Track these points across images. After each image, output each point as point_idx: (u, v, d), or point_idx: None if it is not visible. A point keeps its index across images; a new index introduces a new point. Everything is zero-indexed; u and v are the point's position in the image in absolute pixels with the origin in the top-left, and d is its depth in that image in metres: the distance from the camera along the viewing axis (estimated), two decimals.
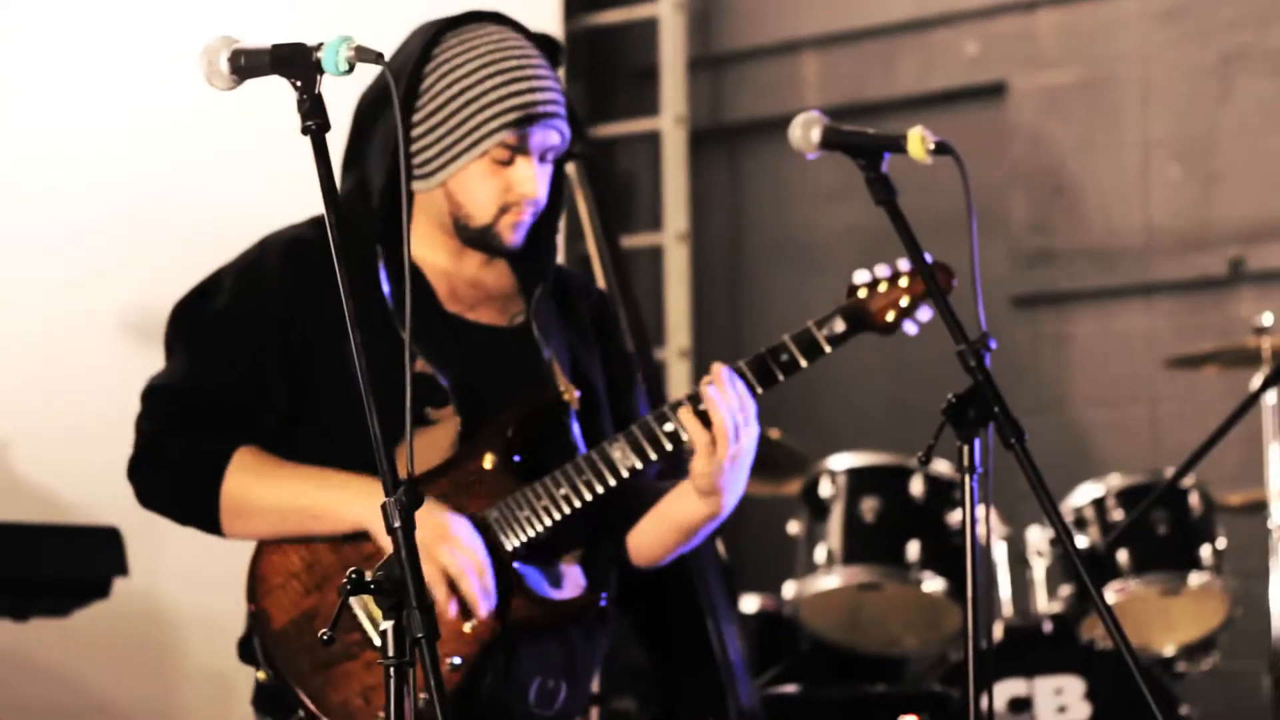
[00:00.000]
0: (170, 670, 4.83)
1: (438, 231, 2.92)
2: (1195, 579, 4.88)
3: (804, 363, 2.83)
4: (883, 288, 2.86)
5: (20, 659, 4.40)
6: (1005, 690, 4.69)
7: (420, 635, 2.15)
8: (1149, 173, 6.22)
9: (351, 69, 2.25)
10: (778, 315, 6.75)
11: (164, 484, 2.85)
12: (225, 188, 4.87)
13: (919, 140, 2.78)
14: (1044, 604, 4.89)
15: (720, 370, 2.80)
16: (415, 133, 2.86)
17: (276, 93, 2.28)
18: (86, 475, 4.55)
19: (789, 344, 2.83)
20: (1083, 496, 5.02)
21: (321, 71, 2.25)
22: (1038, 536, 4.90)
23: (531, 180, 2.86)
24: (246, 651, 2.88)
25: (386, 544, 2.67)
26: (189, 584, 4.72)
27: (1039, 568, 4.89)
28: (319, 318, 2.83)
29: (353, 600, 2.74)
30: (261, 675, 2.81)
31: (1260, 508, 4.93)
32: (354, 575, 2.25)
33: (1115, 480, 5.00)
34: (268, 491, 2.79)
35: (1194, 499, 4.95)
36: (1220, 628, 4.97)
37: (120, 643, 4.59)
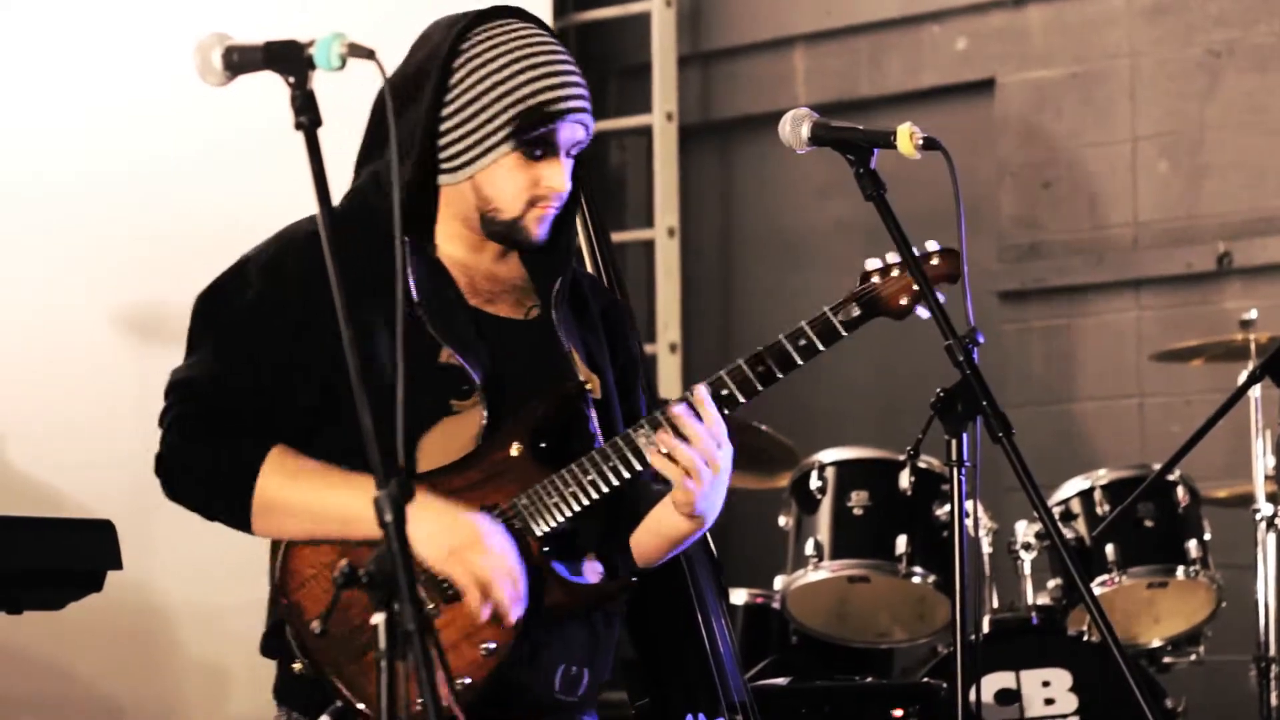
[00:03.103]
0: (163, 663, 4.84)
1: (459, 225, 2.93)
2: (1182, 572, 4.90)
3: (821, 347, 2.85)
4: (895, 273, 2.88)
5: (13, 652, 4.42)
6: (993, 682, 4.71)
7: (411, 628, 2.16)
8: (1137, 168, 6.24)
9: (343, 65, 2.26)
10: (768, 310, 6.77)
11: (196, 484, 2.84)
12: (220, 182, 4.89)
13: (908, 136, 2.79)
14: (1031, 597, 4.91)
15: (677, 409, 2.82)
16: (444, 126, 2.88)
17: (270, 87, 2.30)
18: (80, 469, 4.57)
19: (806, 329, 2.85)
20: (1070, 490, 5.04)
21: (314, 67, 2.26)
22: (1025, 530, 4.92)
23: (560, 175, 2.88)
24: (272, 645, 2.88)
25: (422, 552, 2.72)
26: (182, 577, 4.73)
27: (1026, 561, 4.91)
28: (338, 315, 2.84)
29: None
30: (298, 666, 2.82)
31: (1246, 501, 4.96)
32: (346, 569, 2.26)
33: (1102, 474, 5.02)
34: (301, 497, 2.80)
35: (1180, 492, 4.97)
36: (1206, 620, 5.00)
37: (113, 636, 4.61)
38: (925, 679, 4.62)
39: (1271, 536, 4.80)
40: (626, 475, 2.82)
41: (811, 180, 6.73)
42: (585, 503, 2.82)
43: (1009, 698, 4.72)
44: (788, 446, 5.34)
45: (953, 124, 6.41)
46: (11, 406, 4.54)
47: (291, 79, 2.26)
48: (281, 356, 2.83)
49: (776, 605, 5.04)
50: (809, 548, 4.93)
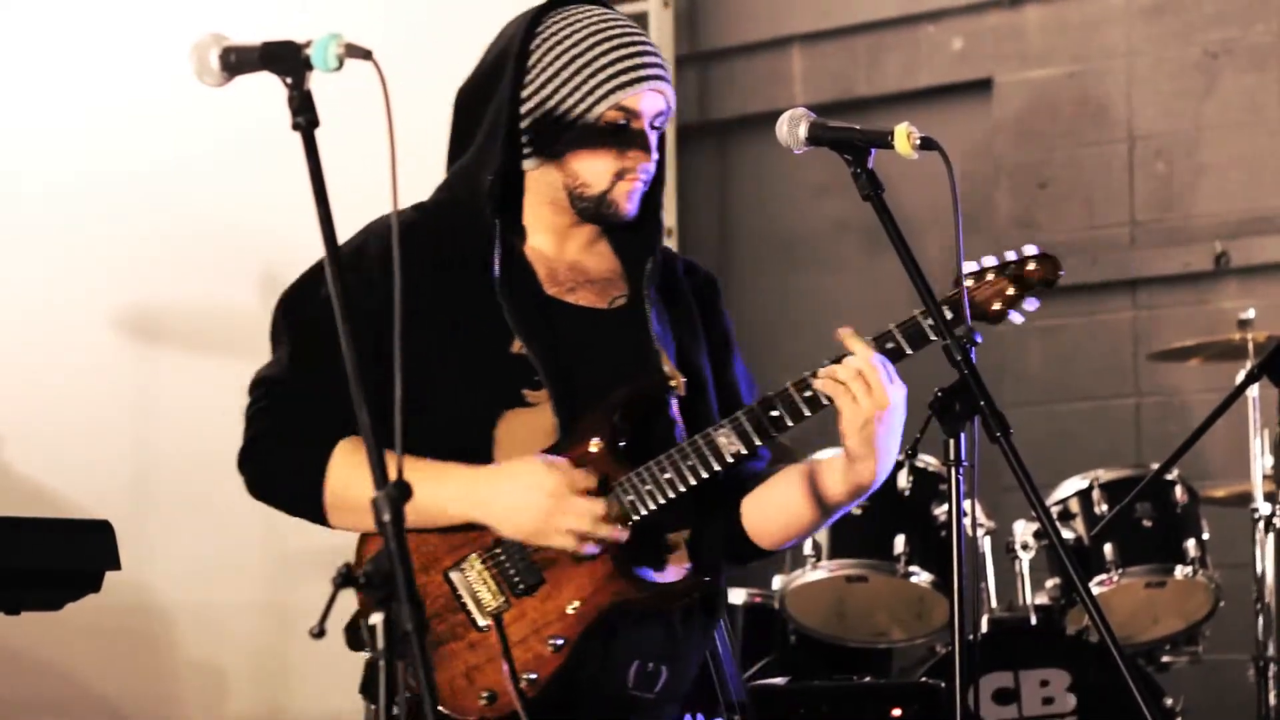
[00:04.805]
0: (161, 663, 4.84)
1: (546, 211, 2.94)
2: (1180, 571, 4.91)
3: (909, 350, 2.85)
4: (990, 277, 2.88)
5: (12, 652, 4.41)
6: (991, 682, 4.71)
7: (409, 628, 2.16)
8: (1134, 167, 6.25)
9: (340, 65, 2.26)
10: (765, 310, 6.77)
11: (269, 480, 2.87)
12: (220, 182, 4.88)
13: (905, 136, 2.79)
14: (1029, 597, 4.91)
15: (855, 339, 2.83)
16: (526, 108, 2.89)
17: (270, 88, 2.30)
18: (78, 469, 4.57)
19: (894, 333, 2.85)
20: (1068, 489, 5.04)
21: (311, 68, 2.26)
22: (1023, 529, 4.92)
23: (646, 143, 2.89)
24: (354, 637, 2.88)
25: (497, 530, 2.75)
26: (180, 578, 4.73)
27: (1025, 560, 4.91)
28: (420, 301, 2.82)
29: (455, 579, 2.78)
30: (369, 656, 2.82)
31: (1244, 500, 4.96)
32: (343, 569, 2.25)
33: (1100, 473, 5.02)
34: (366, 490, 2.80)
35: (1179, 492, 4.97)
36: (1204, 619, 5.00)
37: (112, 636, 4.60)
38: (923, 678, 4.62)
39: (1270, 536, 4.80)
40: (705, 475, 2.81)
41: (809, 180, 6.73)
42: (662, 501, 2.81)
43: (1007, 697, 4.72)
44: (785, 446, 5.33)
45: (950, 124, 6.41)
46: (10, 407, 4.54)
47: (289, 79, 2.26)
48: (360, 343, 2.82)
49: (775, 605, 5.05)
50: (807, 547, 4.94)
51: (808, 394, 2.82)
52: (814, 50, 6.79)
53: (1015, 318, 2.89)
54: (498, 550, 2.79)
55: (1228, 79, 6.11)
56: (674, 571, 2.87)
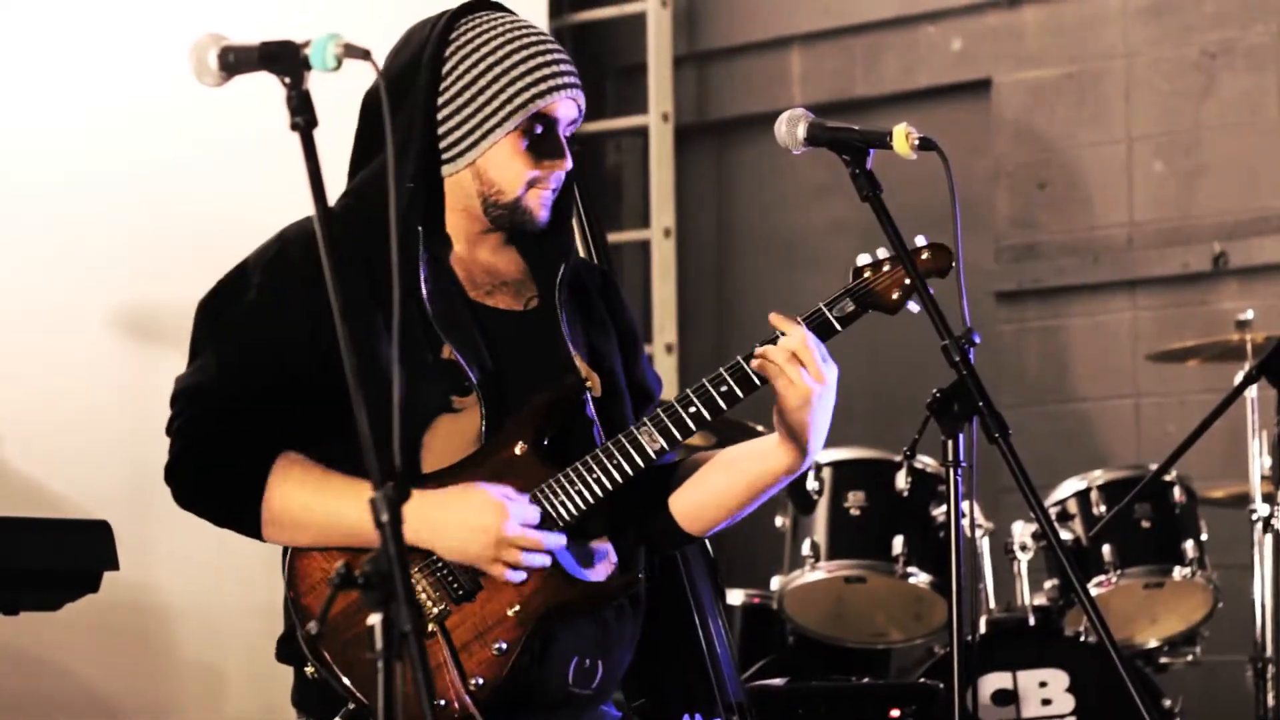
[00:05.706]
0: (160, 663, 4.84)
1: (459, 217, 2.96)
2: (1178, 572, 4.91)
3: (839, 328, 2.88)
4: (886, 267, 2.90)
5: (10, 652, 4.42)
6: (990, 683, 4.72)
7: (408, 629, 2.16)
8: (1132, 168, 6.25)
9: (339, 65, 2.27)
10: (764, 310, 6.73)
11: (205, 493, 2.85)
12: (219, 182, 4.89)
13: (904, 136, 2.80)
14: (1028, 597, 4.91)
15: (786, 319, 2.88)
16: (442, 115, 2.91)
17: (269, 88, 2.30)
18: (77, 469, 4.57)
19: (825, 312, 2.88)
20: (1067, 490, 5.04)
21: (309, 68, 2.27)
22: (1022, 530, 4.92)
23: (562, 150, 2.92)
24: (286, 651, 2.88)
25: (440, 552, 2.76)
26: (178, 577, 4.73)
27: (1023, 561, 4.91)
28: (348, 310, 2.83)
29: None
30: (310, 671, 2.81)
31: (1243, 501, 4.96)
32: (341, 570, 2.25)
33: (1099, 474, 5.03)
34: (309, 507, 2.79)
35: (1177, 492, 4.97)
36: (1203, 620, 5.00)
37: (110, 636, 4.60)
38: (922, 679, 4.62)
39: (1268, 537, 4.80)
40: (630, 472, 2.85)
41: (808, 180, 6.73)
42: (592, 501, 2.84)
43: (1006, 698, 4.72)
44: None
45: (948, 124, 6.41)
46: (9, 407, 4.54)
47: (287, 79, 2.26)
48: (288, 355, 2.82)
49: (774, 606, 5.05)
50: (806, 548, 4.94)
51: (724, 389, 2.86)
52: (813, 50, 6.79)
53: (913, 307, 2.91)
54: (433, 557, 2.80)
55: (1226, 79, 6.11)
56: (602, 567, 2.90)
